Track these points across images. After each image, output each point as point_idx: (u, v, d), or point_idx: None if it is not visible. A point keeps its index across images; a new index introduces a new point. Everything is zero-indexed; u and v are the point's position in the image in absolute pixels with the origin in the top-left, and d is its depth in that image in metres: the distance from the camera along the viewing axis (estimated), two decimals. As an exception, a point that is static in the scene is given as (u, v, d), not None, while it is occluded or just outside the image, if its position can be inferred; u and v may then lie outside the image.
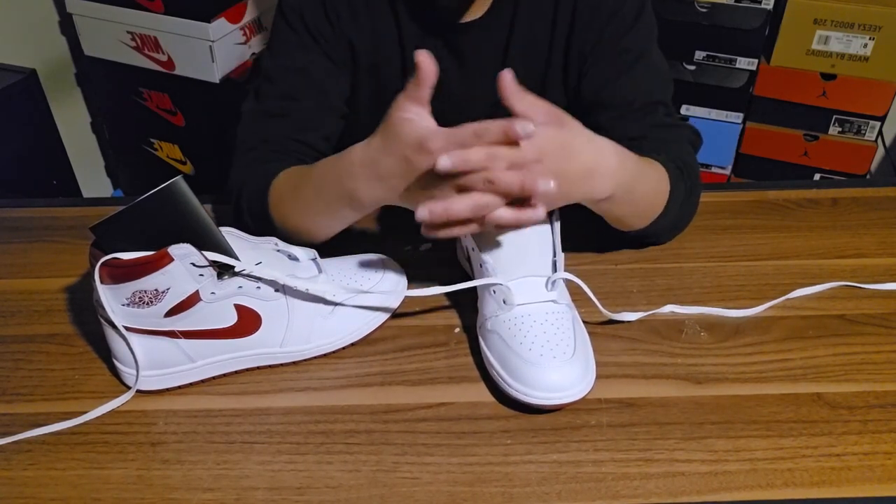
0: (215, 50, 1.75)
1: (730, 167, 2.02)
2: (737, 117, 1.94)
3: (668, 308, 0.78)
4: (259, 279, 0.68)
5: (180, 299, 0.66)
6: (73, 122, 2.04)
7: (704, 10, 1.82)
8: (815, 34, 1.78)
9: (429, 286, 0.73)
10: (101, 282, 0.65)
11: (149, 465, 0.65)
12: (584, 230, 0.82)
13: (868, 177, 1.94)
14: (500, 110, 0.66)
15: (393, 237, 0.82)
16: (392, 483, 0.63)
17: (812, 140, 1.92)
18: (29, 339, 0.78)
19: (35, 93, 1.73)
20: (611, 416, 0.68)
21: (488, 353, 0.71)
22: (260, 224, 0.81)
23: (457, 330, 0.77)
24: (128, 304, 0.66)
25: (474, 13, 0.87)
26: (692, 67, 1.90)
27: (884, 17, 1.72)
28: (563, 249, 0.73)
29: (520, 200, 0.65)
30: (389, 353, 0.75)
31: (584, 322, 0.73)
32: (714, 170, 2.02)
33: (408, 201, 0.68)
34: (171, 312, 0.67)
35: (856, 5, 1.72)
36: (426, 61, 0.65)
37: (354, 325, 0.75)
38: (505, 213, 0.65)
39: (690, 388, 0.70)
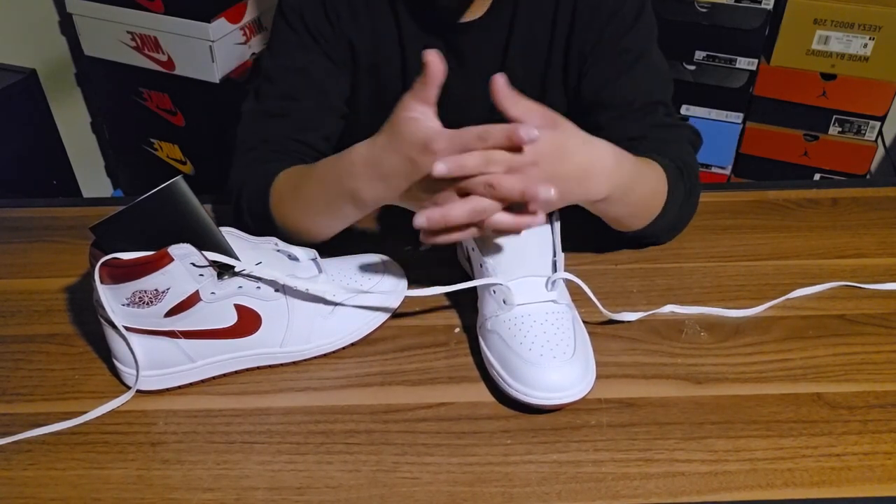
0: (215, 50, 1.75)
1: (730, 167, 2.02)
2: (737, 117, 1.94)
3: (668, 308, 0.78)
4: (259, 279, 0.68)
5: (180, 299, 0.66)
6: (73, 122, 2.04)
7: (704, 10, 1.82)
8: (815, 34, 1.78)
9: (429, 286, 0.73)
10: (101, 282, 0.65)
11: (149, 465, 0.65)
12: (583, 230, 0.82)
13: (868, 177, 1.94)
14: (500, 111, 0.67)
15: (393, 237, 0.82)
16: (392, 483, 0.63)
17: (812, 140, 1.92)
18: (29, 339, 0.78)
19: (35, 93, 1.73)
20: (611, 416, 0.68)
21: (488, 353, 0.71)
22: (260, 224, 0.81)
23: (457, 330, 0.77)
24: (128, 304, 0.66)
25: (474, 13, 0.87)
26: (692, 67, 1.90)
27: (884, 17, 1.72)
28: (563, 249, 0.73)
29: (518, 205, 0.65)
30: (389, 353, 0.75)
31: (584, 322, 0.73)
32: (714, 170, 2.02)
33: (409, 201, 0.69)
34: (171, 312, 0.67)
35: (856, 5, 1.72)
36: (435, 61, 0.65)
37: (354, 325, 0.75)
38: (504, 218, 0.65)
39: (690, 388, 0.70)
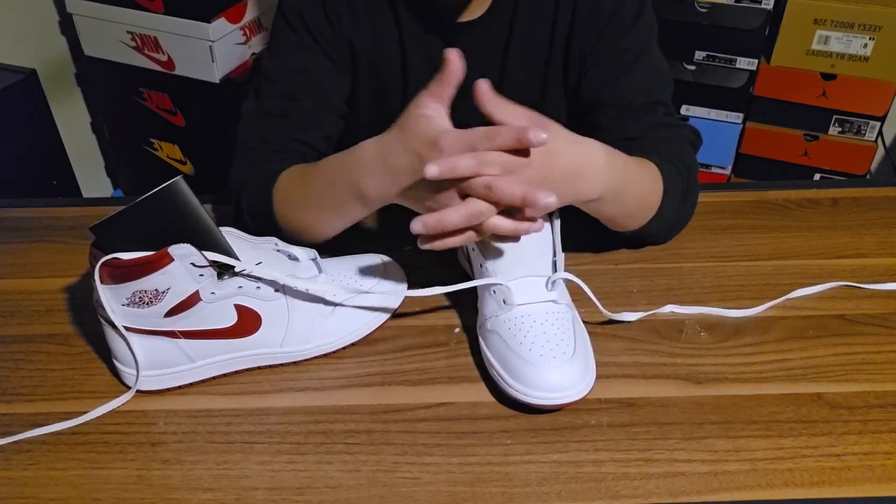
0: (215, 50, 1.75)
1: (730, 167, 2.02)
2: (737, 117, 1.94)
3: (668, 308, 0.78)
4: (259, 279, 0.68)
5: (180, 299, 0.66)
6: (73, 122, 2.04)
7: (704, 10, 1.82)
8: (815, 34, 1.78)
9: (429, 286, 0.73)
10: (101, 282, 0.65)
11: (149, 465, 0.65)
12: (582, 230, 0.82)
13: (868, 177, 1.94)
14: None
15: (393, 237, 0.82)
16: (392, 483, 0.63)
17: (812, 140, 1.92)
18: (29, 339, 0.78)
19: (35, 93, 1.73)
20: (611, 416, 0.68)
21: (488, 353, 0.71)
22: (261, 223, 0.81)
23: (457, 330, 0.77)
24: (128, 304, 0.66)
25: (474, 13, 0.87)
26: (692, 67, 1.90)
27: (884, 17, 1.72)
28: (563, 249, 0.73)
29: (514, 208, 0.65)
30: (389, 353, 0.75)
31: (584, 322, 0.73)
32: (714, 170, 2.02)
33: (413, 200, 0.69)
34: (171, 312, 0.67)
35: (856, 5, 1.72)
36: (455, 60, 0.65)
37: (354, 325, 0.75)
38: (502, 223, 0.65)
39: (690, 388, 0.70)
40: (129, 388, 0.71)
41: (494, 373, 0.69)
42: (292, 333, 0.71)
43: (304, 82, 0.87)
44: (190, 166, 1.98)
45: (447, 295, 0.80)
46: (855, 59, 1.78)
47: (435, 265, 0.83)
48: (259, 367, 0.73)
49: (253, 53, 1.88)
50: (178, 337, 0.69)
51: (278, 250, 0.71)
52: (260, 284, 0.68)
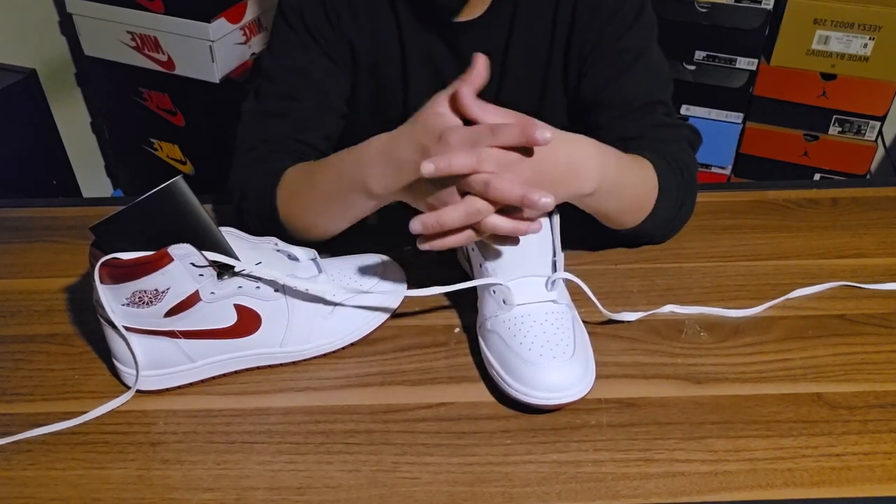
0: (215, 50, 1.75)
1: (730, 167, 2.02)
2: (737, 117, 1.94)
3: (668, 308, 0.78)
4: (259, 279, 0.68)
5: (180, 299, 0.66)
6: (73, 122, 2.04)
7: (704, 10, 1.82)
8: (815, 34, 1.78)
9: (429, 286, 0.73)
10: (101, 282, 0.65)
11: (149, 465, 0.65)
12: (579, 229, 0.82)
13: (868, 177, 1.94)
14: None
15: (393, 237, 0.82)
16: (392, 483, 0.63)
17: (812, 140, 1.92)
18: (29, 339, 0.78)
19: (35, 93, 1.73)
20: (611, 416, 0.68)
21: (488, 353, 0.71)
22: (264, 222, 0.81)
23: (457, 330, 0.77)
24: (128, 304, 0.66)
25: (474, 12, 0.87)
26: (692, 67, 1.90)
27: (884, 17, 1.72)
28: (563, 249, 0.73)
29: (513, 207, 0.65)
30: (389, 353, 0.75)
31: (584, 322, 0.73)
32: (714, 170, 2.02)
33: (415, 196, 0.69)
34: (171, 312, 0.67)
35: (856, 5, 1.72)
36: (481, 66, 0.67)
37: (354, 325, 0.75)
38: (500, 222, 0.65)
39: (690, 388, 0.70)
40: (128, 388, 0.71)
41: (494, 373, 0.69)
42: (292, 333, 0.71)
43: (304, 82, 0.88)
44: (190, 166, 1.98)
45: (447, 295, 0.80)
46: (855, 59, 1.78)
47: (435, 265, 0.83)
48: (259, 367, 0.73)
49: (253, 53, 1.88)
50: (177, 337, 0.69)
51: (278, 250, 0.71)
52: (260, 284, 0.68)
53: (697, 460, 0.64)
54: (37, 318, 0.80)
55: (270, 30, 0.93)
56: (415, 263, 0.81)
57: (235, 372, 0.73)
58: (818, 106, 1.86)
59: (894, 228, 0.89)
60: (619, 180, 0.73)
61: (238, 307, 0.68)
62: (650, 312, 0.77)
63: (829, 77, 1.83)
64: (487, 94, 0.73)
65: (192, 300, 0.66)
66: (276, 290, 0.69)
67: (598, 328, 0.76)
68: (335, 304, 0.73)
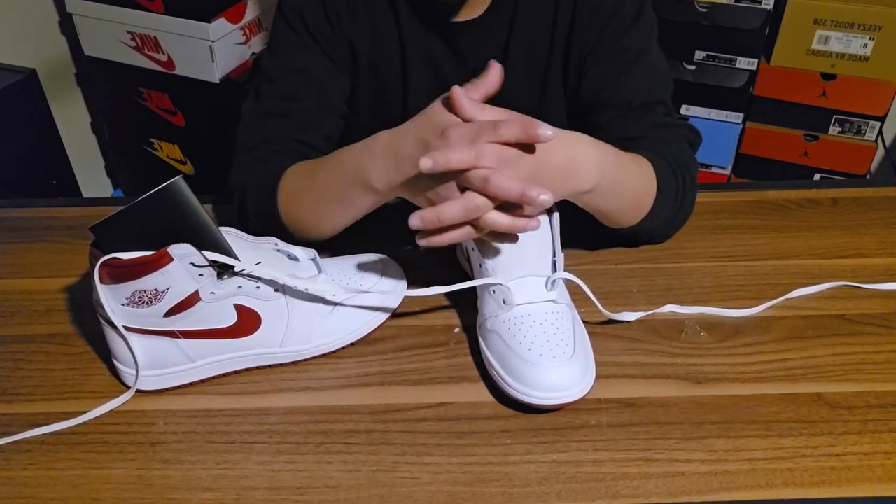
0: (215, 50, 1.75)
1: (730, 167, 2.02)
2: (737, 117, 1.94)
3: (668, 308, 0.78)
4: (259, 279, 0.68)
5: (180, 299, 0.66)
6: (73, 122, 2.04)
7: (704, 10, 1.82)
8: (815, 34, 1.78)
9: (428, 286, 0.73)
10: (101, 282, 0.65)
11: (149, 465, 0.65)
12: (578, 228, 0.82)
13: (868, 177, 1.94)
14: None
15: (393, 237, 0.82)
16: (392, 483, 0.63)
17: (812, 140, 1.92)
18: (29, 339, 0.78)
19: (35, 93, 1.73)
20: (611, 416, 0.68)
21: (488, 353, 0.71)
22: (265, 222, 0.81)
23: (456, 330, 0.77)
24: (127, 304, 0.66)
25: (474, 12, 0.87)
26: (692, 67, 1.90)
27: (884, 17, 1.72)
28: (563, 249, 0.73)
29: (512, 204, 0.66)
30: (389, 353, 0.75)
31: (584, 322, 0.73)
32: (714, 170, 2.02)
33: (415, 192, 0.69)
34: (171, 312, 0.67)
35: (856, 5, 1.72)
36: (495, 72, 0.68)
37: (354, 325, 0.75)
38: (499, 218, 0.66)
39: (690, 388, 0.70)
40: (128, 387, 0.71)
41: (494, 373, 0.69)
42: (292, 333, 0.71)
43: (304, 82, 0.88)
44: (190, 166, 1.98)
45: (447, 295, 0.80)
46: (855, 59, 1.78)
47: (435, 265, 0.83)
48: (259, 367, 0.73)
49: (253, 53, 1.88)
50: (177, 337, 0.69)
51: (278, 250, 0.71)
52: (259, 284, 0.68)
53: (697, 460, 0.64)
54: (37, 318, 0.80)
55: (270, 30, 0.93)
56: (415, 263, 0.81)
57: (235, 372, 0.73)
58: (818, 106, 1.86)
59: (894, 228, 0.89)
60: (618, 178, 0.73)
61: (238, 307, 0.68)
62: (650, 312, 0.77)
63: (829, 77, 1.83)
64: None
65: (191, 300, 0.66)
66: (276, 290, 0.69)
67: (598, 328, 0.76)
68: (335, 304, 0.73)
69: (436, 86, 0.89)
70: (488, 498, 0.61)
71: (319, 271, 0.72)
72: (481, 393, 0.71)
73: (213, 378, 0.72)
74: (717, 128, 1.95)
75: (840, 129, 1.88)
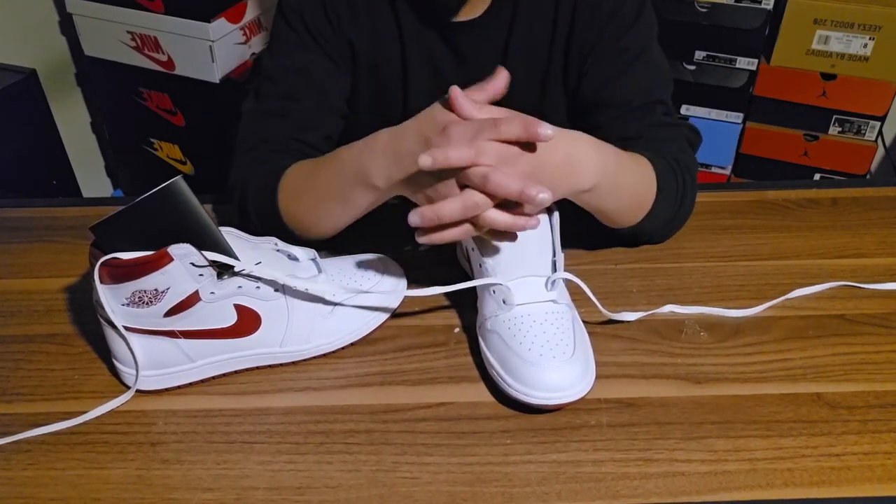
0: (215, 50, 1.75)
1: (730, 167, 2.02)
2: (737, 117, 1.94)
3: (668, 308, 0.78)
4: (259, 279, 0.68)
5: (180, 299, 0.66)
6: (73, 122, 2.04)
7: (704, 10, 1.82)
8: (815, 34, 1.78)
9: (429, 286, 0.73)
10: (101, 282, 0.65)
11: (149, 465, 0.65)
12: (579, 229, 0.82)
13: (868, 177, 1.94)
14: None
15: (393, 237, 0.82)
16: (392, 483, 0.63)
17: (812, 140, 1.92)
18: (29, 339, 0.78)
19: (35, 93, 1.73)
20: (611, 416, 0.68)
21: (488, 353, 0.71)
22: (265, 222, 0.81)
23: (456, 330, 0.77)
24: (127, 304, 0.66)
25: (474, 12, 0.87)
26: (692, 67, 1.90)
27: (884, 17, 1.72)
28: (563, 249, 0.73)
29: (511, 203, 0.66)
30: (389, 353, 0.75)
31: (584, 322, 0.73)
32: (714, 170, 2.02)
33: (415, 189, 0.69)
34: (171, 312, 0.67)
35: (856, 5, 1.72)
36: (502, 79, 0.69)
37: (354, 325, 0.75)
38: (498, 216, 0.66)
39: (690, 388, 0.70)
40: (128, 387, 0.71)
41: (494, 373, 0.69)
42: (292, 333, 0.71)
43: (304, 82, 0.88)
44: (190, 166, 1.98)
45: (447, 295, 0.80)
46: (855, 59, 1.78)
47: (435, 265, 0.83)
48: (259, 367, 0.73)
49: (253, 53, 1.88)
50: (177, 337, 0.69)
51: (278, 250, 0.71)
52: (259, 284, 0.68)
53: (697, 460, 0.64)
54: (37, 318, 0.80)
55: (270, 30, 0.93)
56: (415, 263, 0.81)
57: (235, 372, 0.73)
58: (818, 106, 1.86)
59: (894, 228, 0.89)
60: (618, 178, 0.73)
61: (238, 307, 0.68)
62: (650, 312, 0.77)
63: (829, 77, 1.83)
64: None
65: (191, 300, 0.66)
66: (276, 290, 0.69)
67: (598, 328, 0.76)
68: (335, 304, 0.73)
69: (436, 86, 0.89)
70: (488, 498, 0.61)
71: (319, 271, 0.72)
72: (481, 393, 0.71)
73: (213, 378, 0.72)
74: (717, 128, 1.95)
75: (840, 129, 1.88)
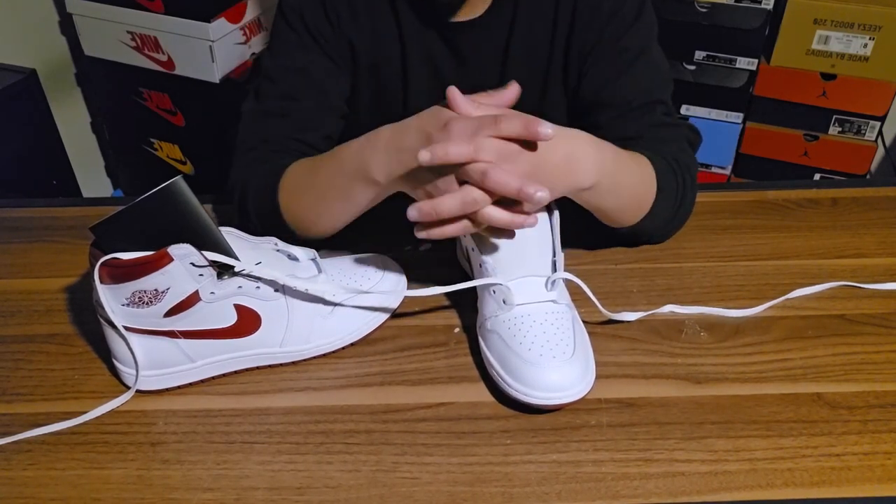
0: (215, 50, 1.75)
1: (730, 167, 2.02)
2: (737, 117, 1.94)
3: (668, 308, 0.78)
4: (259, 279, 0.68)
5: (180, 299, 0.66)
6: (73, 122, 2.04)
7: (704, 10, 1.82)
8: (815, 34, 1.78)
9: (429, 286, 0.73)
10: (101, 282, 0.65)
11: (149, 465, 0.65)
12: (579, 229, 0.82)
13: (868, 177, 1.94)
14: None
15: (393, 237, 0.82)
16: (392, 483, 0.63)
17: (812, 140, 1.92)
18: (29, 339, 0.78)
19: (35, 93, 1.73)
20: (611, 416, 0.68)
21: (488, 353, 0.71)
22: (265, 222, 0.81)
23: (456, 330, 0.77)
24: (127, 304, 0.66)
25: (474, 12, 0.87)
26: (692, 67, 1.90)
27: (884, 17, 1.72)
28: (563, 249, 0.73)
29: (510, 200, 0.66)
30: (389, 353, 0.75)
31: (584, 322, 0.73)
32: (714, 170, 2.02)
33: (415, 185, 0.69)
34: (171, 312, 0.67)
35: (856, 5, 1.72)
36: (513, 91, 0.70)
37: (354, 325, 0.75)
38: (497, 213, 0.66)
39: (690, 388, 0.70)
40: (128, 388, 0.71)
41: (494, 373, 0.69)
42: (292, 333, 0.71)
43: (304, 82, 0.88)
44: (190, 166, 1.98)
45: (447, 295, 0.80)
46: (855, 59, 1.78)
47: (435, 265, 0.83)
48: (259, 367, 0.73)
49: (253, 53, 1.88)
50: (177, 337, 0.69)
51: (278, 250, 0.71)
52: (259, 284, 0.68)
53: (697, 460, 0.64)
54: (37, 318, 0.80)
55: (270, 30, 0.93)
56: (415, 263, 0.81)
57: (235, 372, 0.73)
58: (818, 106, 1.86)
59: (894, 228, 0.89)
60: (618, 177, 0.73)
61: (238, 307, 0.68)
62: (650, 312, 0.77)
63: (829, 77, 1.83)
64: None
65: (191, 300, 0.66)
66: (276, 290, 0.69)
67: (598, 328, 0.76)
68: (335, 304, 0.73)
69: (436, 86, 0.89)
70: (488, 498, 0.61)
71: (319, 271, 0.72)
72: (481, 393, 0.71)
73: (213, 378, 0.72)
74: (717, 128, 1.95)
75: (840, 129, 1.88)
